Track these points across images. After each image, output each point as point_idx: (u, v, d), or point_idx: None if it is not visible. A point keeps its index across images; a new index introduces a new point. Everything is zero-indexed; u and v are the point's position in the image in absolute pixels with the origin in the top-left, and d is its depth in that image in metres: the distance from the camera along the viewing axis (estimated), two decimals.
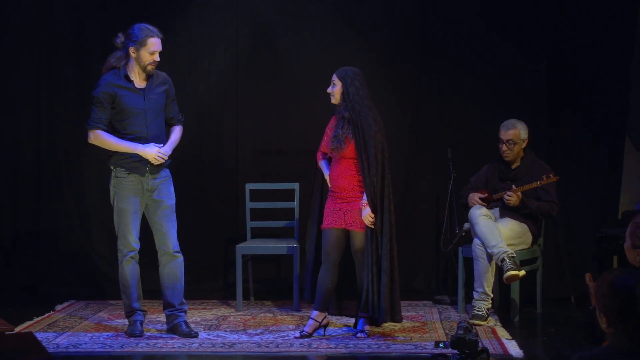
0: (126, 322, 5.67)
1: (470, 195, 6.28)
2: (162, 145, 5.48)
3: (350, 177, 5.44)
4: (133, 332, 5.49)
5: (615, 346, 2.71)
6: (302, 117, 7.11)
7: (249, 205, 6.83)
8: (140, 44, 5.39)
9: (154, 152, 5.41)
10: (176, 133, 5.66)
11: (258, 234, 6.90)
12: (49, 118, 7.23)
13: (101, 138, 5.43)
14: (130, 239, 5.54)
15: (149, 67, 5.44)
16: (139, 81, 5.48)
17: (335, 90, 5.48)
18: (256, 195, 6.87)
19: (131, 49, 5.41)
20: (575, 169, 6.85)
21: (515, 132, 6.16)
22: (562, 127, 6.92)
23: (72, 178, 7.25)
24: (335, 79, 5.51)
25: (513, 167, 6.24)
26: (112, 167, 5.53)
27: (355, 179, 5.43)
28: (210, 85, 7.21)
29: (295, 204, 6.76)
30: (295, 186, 6.78)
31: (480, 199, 6.22)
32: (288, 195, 6.81)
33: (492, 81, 6.99)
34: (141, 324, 5.57)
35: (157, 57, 5.44)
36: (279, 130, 7.21)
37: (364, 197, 5.36)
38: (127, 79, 5.45)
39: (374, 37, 7.10)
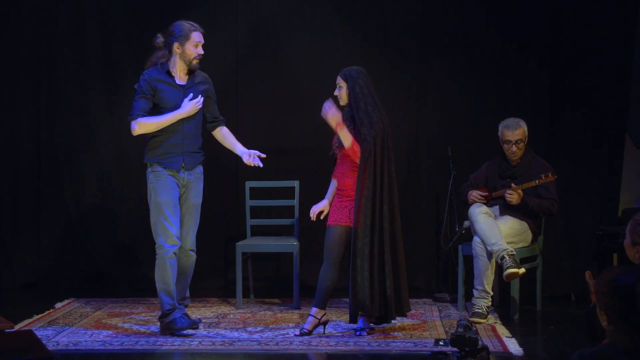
0: (126, 321, 5.66)
1: (470, 191, 6.29)
2: (194, 99, 5.50)
3: (355, 174, 5.44)
4: (189, 325, 5.41)
5: (616, 344, 2.71)
6: (302, 115, 7.11)
7: (249, 203, 6.83)
8: (184, 38, 5.47)
9: (190, 106, 5.48)
10: (230, 134, 5.78)
11: (258, 231, 6.90)
12: (48, 118, 7.23)
13: (144, 123, 5.45)
14: (173, 232, 5.47)
15: (195, 61, 5.51)
16: (180, 77, 5.54)
17: (342, 92, 5.49)
18: (256, 193, 6.87)
19: (175, 45, 5.48)
20: (575, 166, 6.85)
21: (521, 131, 6.16)
22: (562, 125, 6.93)
23: (72, 178, 7.26)
24: (340, 80, 5.51)
25: (513, 164, 6.25)
26: (148, 164, 5.55)
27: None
28: None
29: (295, 202, 6.76)
30: (295, 184, 6.78)
31: (481, 195, 6.22)
32: (288, 193, 6.81)
33: (492, 79, 6.99)
34: (186, 314, 5.55)
35: (201, 50, 5.52)
36: (279, 129, 7.21)
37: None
38: (169, 74, 5.51)
39: (374, 35, 7.10)
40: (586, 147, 6.88)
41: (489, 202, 6.23)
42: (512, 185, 6.03)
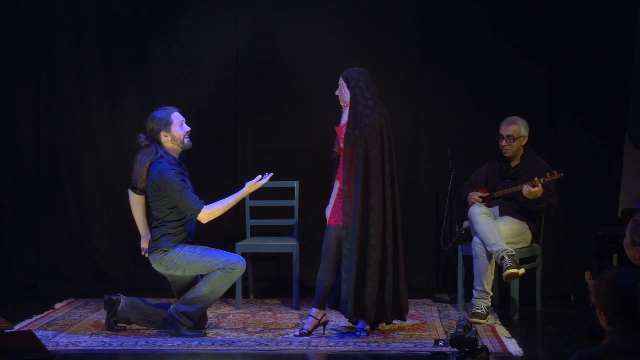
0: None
1: (471, 193, 6.28)
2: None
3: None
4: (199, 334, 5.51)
5: (615, 344, 2.71)
6: (302, 115, 7.12)
7: (249, 203, 6.83)
8: (167, 124, 5.45)
9: (250, 186, 5.60)
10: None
11: (258, 232, 6.90)
12: (49, 118, 7.22)
13: (209, 210, 5.49)
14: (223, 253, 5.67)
15: (186, 140, 5.51)
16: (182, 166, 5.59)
17: (343, 93, 5.49)
18: (256, 193, 6.83)
19: (162, 134, 5.46)
20: (575, 167, 6.85)
21: (515, 128, 6.16)
22: (562, 126, 6.93)
23: (72, 178, 7.25)
24: (341, 81, 5.51)
25: (513, 165, 6.24)
26: (170, 248, 5.59)
27: None
28: (210, 84, 7.20)
29: (294, 202, 6.76)
30: (295, 184, 6.78)
31: (481, 197, 6.22)
32: (288, 193, 6.80)
33: (492, 80, 6.99)
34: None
35: (187, 127, 5.53)
36: (278, 129, 7.21)
37: None
38: (181, 165, 5.53)
39: (374, 35, 7.10)
40: (586, 147, 6.88)
41: (489, 202, 6.22)
42: (536, 178, 5.95)
